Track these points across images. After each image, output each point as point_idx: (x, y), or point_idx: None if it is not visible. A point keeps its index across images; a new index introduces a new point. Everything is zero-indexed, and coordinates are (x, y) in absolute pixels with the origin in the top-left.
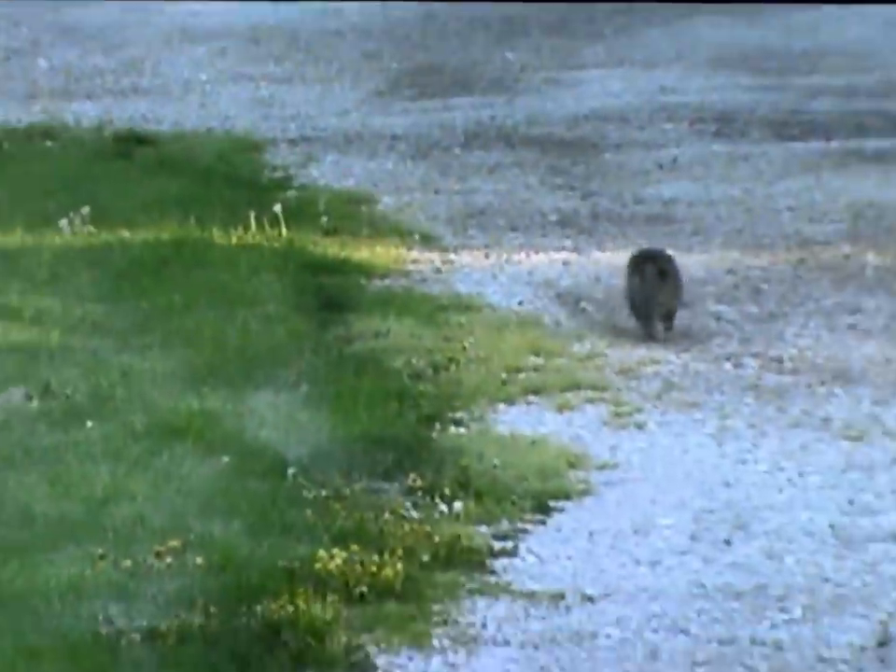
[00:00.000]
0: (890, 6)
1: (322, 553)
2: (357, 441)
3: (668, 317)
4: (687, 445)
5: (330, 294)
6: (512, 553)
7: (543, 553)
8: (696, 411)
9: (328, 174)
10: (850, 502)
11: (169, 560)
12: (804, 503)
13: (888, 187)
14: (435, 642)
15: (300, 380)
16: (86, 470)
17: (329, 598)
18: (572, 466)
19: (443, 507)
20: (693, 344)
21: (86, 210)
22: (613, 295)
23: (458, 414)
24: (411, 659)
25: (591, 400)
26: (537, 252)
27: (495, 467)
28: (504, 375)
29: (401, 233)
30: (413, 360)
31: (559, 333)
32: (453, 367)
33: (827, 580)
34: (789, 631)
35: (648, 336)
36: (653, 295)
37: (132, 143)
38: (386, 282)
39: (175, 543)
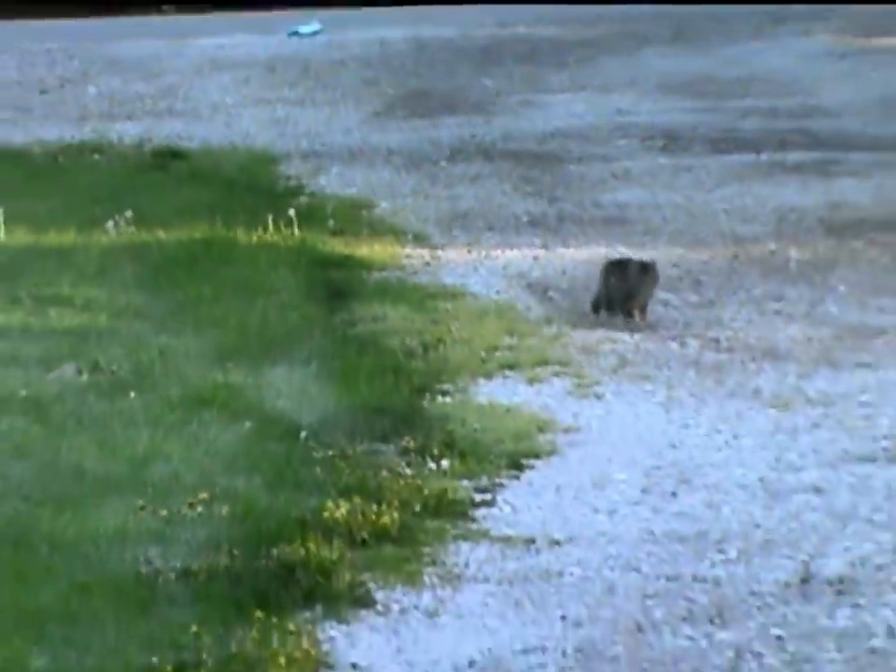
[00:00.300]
0: (808, 40)
1: (329, 504)
2: (359, 410)
3: (643, 309)
4: (639, 412)
5: (336, 285)
6: (491, 503)
7: (517, 504)
8: (647, 383)
9: (334, 183)
10: (777, 460)
11: (199, 510)
12: (738, 461)
13: (806, 193)
14: (425, 580)
15: (310, 357)
16: (128, 434)
17: (335, 543)
18: (541, 430)
19: (432, 465)
20: (643, 327)
21: (128, 214)
22: (576, 285)
23: (445, 386)
24: (405, 594)
25: (557, 374)
26: (511, 249)
27: (475, 431)
28: (483, 353)
29: (396, 233)
30: (406, 340)
31: (530, 318)
32: (440, 346)
33: (757, 526)
34: (725, 569)
35: (627, 325)
36: (633, 291)
37: (167, 157)
38: (384, 274)
39: (204, 496)
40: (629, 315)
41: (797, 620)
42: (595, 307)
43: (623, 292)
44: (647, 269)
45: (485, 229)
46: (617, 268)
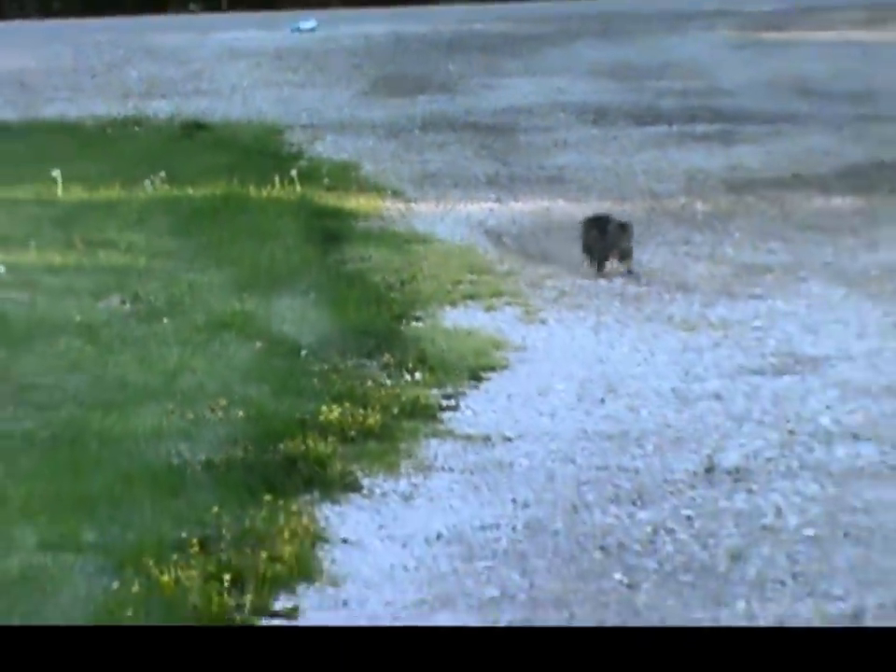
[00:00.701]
0: (712, 34)
1: (324, 408)
2: (349, 332)
3: (627, 257)
4: (574, 335)
5: (330, 231)
6: (455, 408)
7: (476, 408)
8: (581, 311)
9: (328, 149)
10: (686, 373)
11: (219, 413)
12: (654, 374)
13: (710, 158)
14: (402, 469)
15: (309, 289)
16: (162, 352)
17: (329, 439)
18: (496, 348)
19: (407, 377)
20: (576, 265)
21: (162, 174)
22: (524, 232)
23: (417, 313)
24: (385, 481)
25: (509, 304)
26: (471, 202)
27: (443, 349)
28: (449, 287)
29: (378, 190)
30: (387, 276)
31: (487, 258)
32: (414, 281)
33: (669, 426)
34: (644, 461)
35: (599, 274)
36: (612, 244)
37: (194, 128)
38: (368, 223)
39: (223, 402)
40: (601, 264)
41: (702, 502)
42: (590, 257)
43: (602, 245)
44: (624, 226)
45: (451, 186)
46: (595, 224)
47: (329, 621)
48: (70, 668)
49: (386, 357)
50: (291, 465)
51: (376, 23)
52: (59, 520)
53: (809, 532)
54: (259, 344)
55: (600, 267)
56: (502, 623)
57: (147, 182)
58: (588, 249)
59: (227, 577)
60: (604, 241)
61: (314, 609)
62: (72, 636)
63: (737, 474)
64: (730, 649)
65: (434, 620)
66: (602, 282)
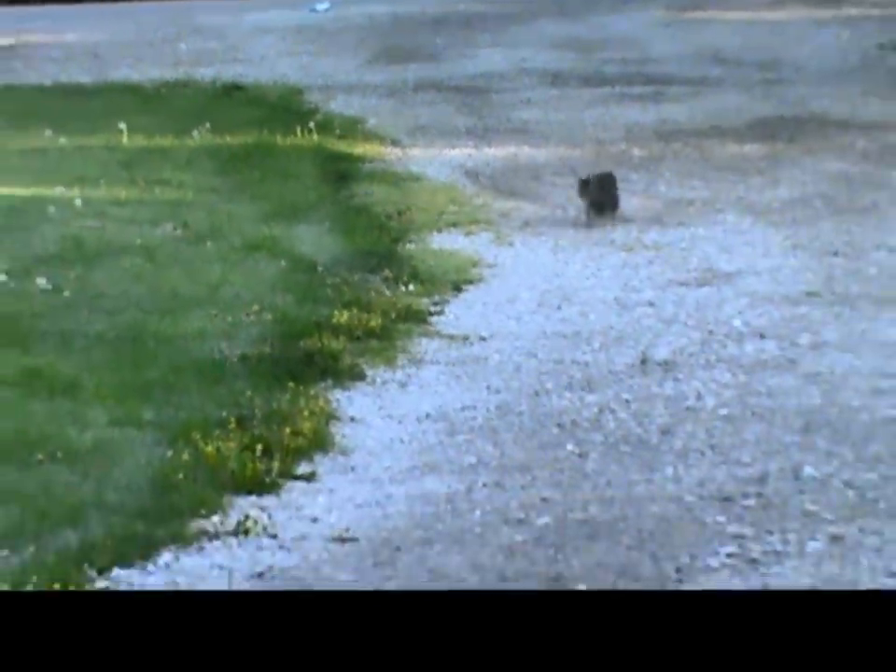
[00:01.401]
0: (646, 13)
1: (336, 313)
2: (356, 252)
3: (615, 207)
4: (537, 255)
5: (341, 172)
6: (440, 313)
7: (458, 313)
8: (542, 236)
9: (339, 106)
10: (625, 285)
11: (252, 317)
12: (600, 286)
13: (644, 113)
14: (398, 362)
15: (324, 219)
16: (206, 269)
17: (340, 338)
18: (473, 265)
19: (403, 288)
20: (538, 199)
21: (207, 125)
22: (496, 173)
23: (411, 237)
24: (385, 372)
25: (484, 230)
26: (454, 149)
27: (431, 266)
28: (436, 216)
29: (380, 138)
30: (387, 208)
31: (466, 193)
32: (408, 212)
33: (612, 328)
34: (593, 356)
35: (588, 223)
36: (608, 197)
37: (232, 89)
38: (372, 165)
39: (256, 308)
40: (609, 213)
41: (638, 388)
42: (588, 212)
43: (596, 199)
44: (612, 183)
45: (437, 136)
46: (586, 184)
47: (340, 484)
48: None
49: (386, 273)
50: (310, 358)
51: (378, 5)
52: (124, 403)
53: (724, 412)
54: (283, 263)
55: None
56: (478, 485)
57: (194, 132)
58: (595, 204)
59: (258, 447)
60: (609, 195)
61: (327, 473)
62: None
63: (666, 366)
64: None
65: (424, 482)
66: (559, 212)
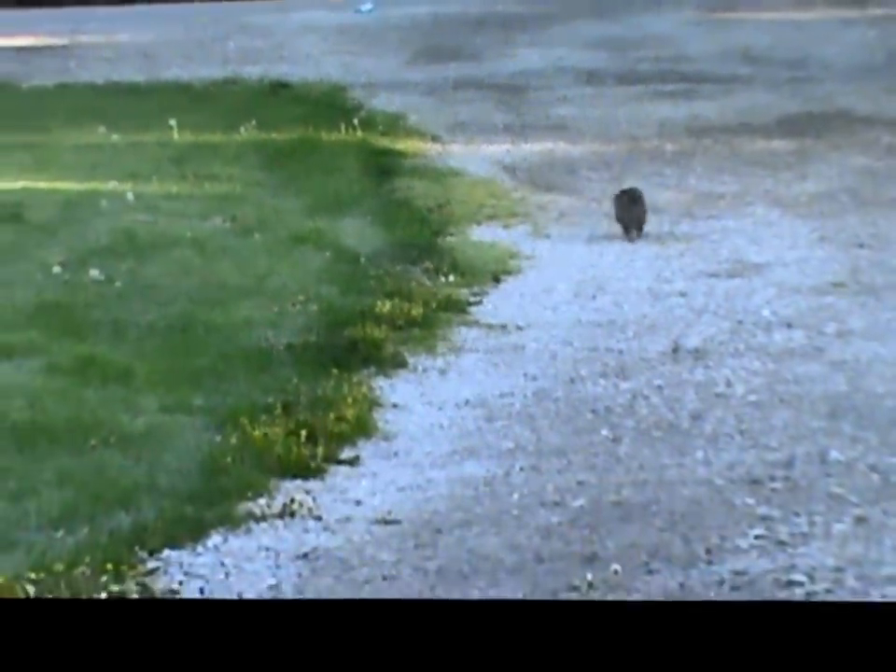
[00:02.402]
0: (679, 13)
1: (379, 303)
2: (398, 244)
3: (640, 227)
4: (572, 247)
5: (383, 167)
6: (479, 303)
7: (496, 303)
8: (577, 228)
9: (382, 103)
10: (658, 276)
11: (298, 307)
12: (633, 276)
13: (677, 110)
14: (439, 350)
15: (367, 212)
16: (254, 260)
17: (383, 327)
18: (511, 257)
19: (443, 279)
20: (574, 192)
21: (253, 122)
22: (533, 168)
23: (451, 230)
24: (426, 359)
25: (521, 223)
26: (492, 144)
27: (470, 257)
28: (475, 209)
29: (421, 135)
30: (427, 202)
31: (504, 187)
32: (448, 205)
33: (645, 316)
34: (626, 344)
35: (627, 238)
36: (634, 213)
37: (278, 87)
38: (413, 160)
39: (301, 298)
40: (628, 229)
41: (670, 375)
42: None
43: (630, 215)
44: (637, 199)
45: (476, 132)
46: (619, 199)
47: (382, 468)
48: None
49: (427, 264)
50: (353, 347)
51: (420, 6)
52: (174, 389)
53: (752, 398)
54: (328, 254)
55: (636, 232)
56: (516, 469)
57: (241, 128)
58: (622, 219)
59: (303, 433)
60: (636, 210)
61: (370, 458)
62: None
63: (697, 354)
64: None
65: (464, 467)
66: (593, 205)
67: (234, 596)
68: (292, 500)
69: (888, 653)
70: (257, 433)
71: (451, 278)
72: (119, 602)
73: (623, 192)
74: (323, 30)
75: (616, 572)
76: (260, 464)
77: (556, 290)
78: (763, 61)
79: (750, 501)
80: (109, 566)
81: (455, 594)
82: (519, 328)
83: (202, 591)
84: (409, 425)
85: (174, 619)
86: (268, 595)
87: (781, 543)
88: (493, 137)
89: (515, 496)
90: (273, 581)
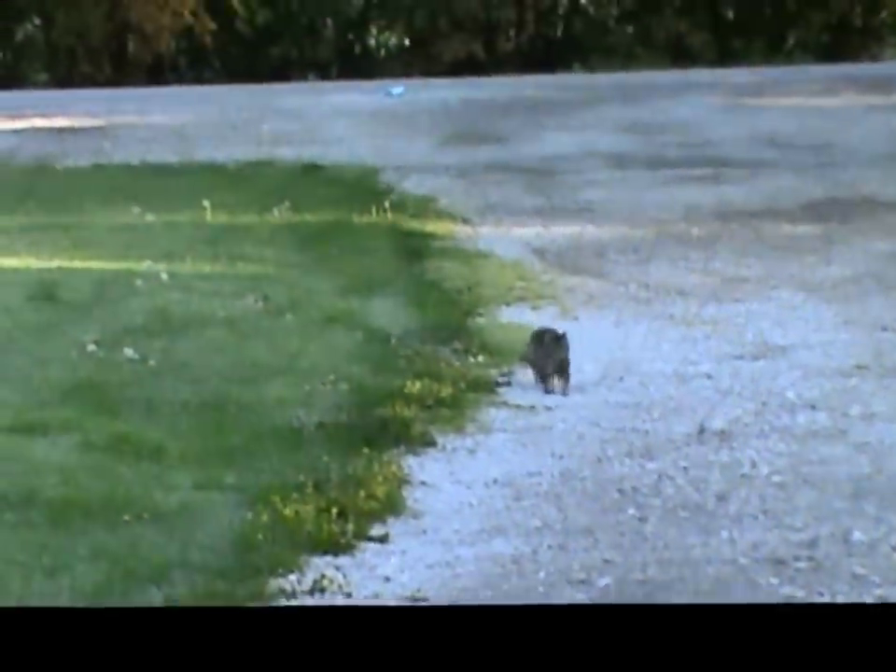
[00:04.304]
0: (704, 100)
1: (409, 383)
2: (428, 325)
3: (564, 374)
4: (600, 328)
5: (414, 248)
6: (508, 384)
7: (524, 384)
8: (605, 310)
9: (412, 186)
10: (684, 358)
11: (329, 386)
12: (660, 359)
13: (703, 194)
14: (468, 430)
15: (397, 293)
16: (286, 340)
17: (412, 407)
18: None
19: (472, 359)
20: (601, 275)
21: (287, 203)
22: (562, 251)
23: (480, 311)
24: (455, 439)
25: (550, 304)
26: (522, 227)
27: (499, 339)
28: (504, 291)
29: (451, 217)
30: (457, 283)
31: (533, 270)
32: (477, 287)
33: (671, 398)
34: (651, 425)
35: (544, 389)
36: (556, 357)
37: (311, 169)
38: (443, 242)
39: (332, 378)
40: (545, 378)
41: (696, 456)
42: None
43: (551, 358)
44: (558, 340)
45: (506, 215)
46: (535, 340)
47: (412, 545)
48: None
49: (456, 344)
50: (383, 426)
51: (450, 90)
52: (207, 467)
53: (777, 479)
54: (359, 334)
55: (546, 382)
56: (543, 547)
57: (275, 210)
58: (532, 364)
59: (334, 510)
60: (557, 353)
61: (400, 535)
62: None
63: (722, 435)
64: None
65: (492, 545)
66: (621, 288)
67: None
68: (322, 577)
69: (887, 654)
70: (288, 511)
71: (480, 359)
72: (123, 611)
73: (543, 332)
74: (355, 113)
75: None
76: (291, 541)
77: (584, 371)
78: (788, 146)
79: (774, 581)
80: None
81: None
82: (547, 408)
83: None
84: (438, 503)
85: (180, 628)
86: None
87: None
88: (522, 220)
89: (542, 573)
90: None
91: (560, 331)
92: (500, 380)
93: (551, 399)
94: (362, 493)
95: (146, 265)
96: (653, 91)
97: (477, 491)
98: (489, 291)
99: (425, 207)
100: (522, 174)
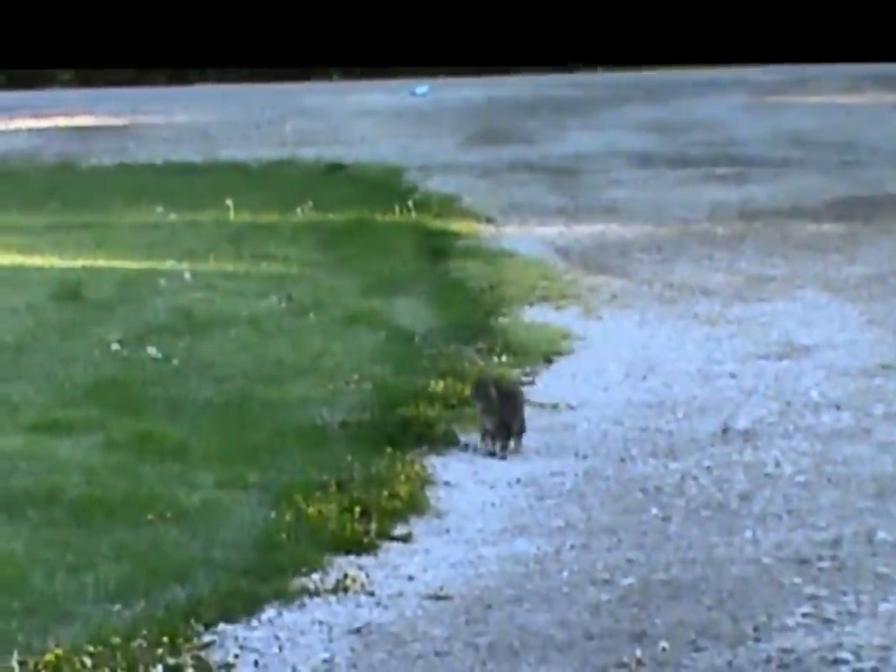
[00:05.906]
0: (729, 98)
1: (432, 382)
2: (451, 325)
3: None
4: (623, 328)
5: (437, 248)
6: (532, 383)
7: (548, 383)
8: (628, 310)
9: (436, 185)
10: (708, 357)
11: (352, 386)
12: (684, 357)
13: (728, 193)
14: None
15: (421, 292)
16: (309, 339)
17: (436, 406)
18: (563, 338)
19: (496, 359)
20: (625, 275)
21: (310, 203)
22: (585, 250)
23: (503, 311)
24: (477, 438)
25: (573, 304)
26: (545, 226)
27: (522, 338)
28: (527, 290)
29: (474, 216)
30: (480, 283)
31: (556, 269)
32: (500, 286)
33: (695, 397)
34: (676, 425)
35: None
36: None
37: (334, 168)
38: (466, 242)
39: (356, 377)
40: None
41: (720, 455)
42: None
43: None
44: (509, 394)
45: (530, 214)
46: (479, 392)
47: (435, 544)
48: None
49: (479, 344)
50: (407, 425)
51: (474, 89)
52: (230, 466)
53: (801, 479)
54: (382, 334)
55: (494, 444)
56: (566, 547)
57: (298, 209)
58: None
59: (357, 509)
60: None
61: (423, 534)
62: None
63: (746, 435)
64: None
65: (515, 544)
66: (644, 287)
67: (288, 670)
68: (345, 576)
69: None
70: (311, 510)
71: (503, 358)
72: None
73: (491, 385)
74: (379, 112)
75: (664, 649)
76: (314, 540)
77: (607, 371)
78: (812, 145)
79: (798, 580)
80: (165, 639)
81: (506, 669)
82: (570, 407)
83: (256, 664)
84: (460, 502)
85: None
86: (322, 670)
87: (828, 622)
88: (545, 219)
89: (565, 573)
90: (326, 656)
91: (512, 383)
92: (524, 379)
93: (574, 398)
94: (385, 492)
95: (169, 264)
96: (676, 90)
97: (500, 491)
98: (512, 290)
99: (448, 206)
100: (545, 173)
